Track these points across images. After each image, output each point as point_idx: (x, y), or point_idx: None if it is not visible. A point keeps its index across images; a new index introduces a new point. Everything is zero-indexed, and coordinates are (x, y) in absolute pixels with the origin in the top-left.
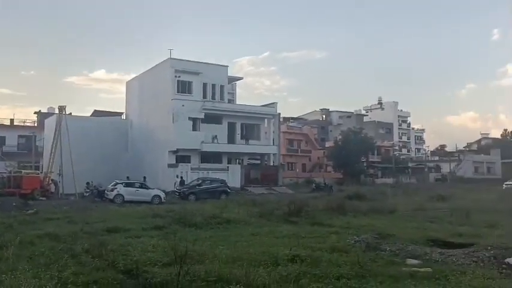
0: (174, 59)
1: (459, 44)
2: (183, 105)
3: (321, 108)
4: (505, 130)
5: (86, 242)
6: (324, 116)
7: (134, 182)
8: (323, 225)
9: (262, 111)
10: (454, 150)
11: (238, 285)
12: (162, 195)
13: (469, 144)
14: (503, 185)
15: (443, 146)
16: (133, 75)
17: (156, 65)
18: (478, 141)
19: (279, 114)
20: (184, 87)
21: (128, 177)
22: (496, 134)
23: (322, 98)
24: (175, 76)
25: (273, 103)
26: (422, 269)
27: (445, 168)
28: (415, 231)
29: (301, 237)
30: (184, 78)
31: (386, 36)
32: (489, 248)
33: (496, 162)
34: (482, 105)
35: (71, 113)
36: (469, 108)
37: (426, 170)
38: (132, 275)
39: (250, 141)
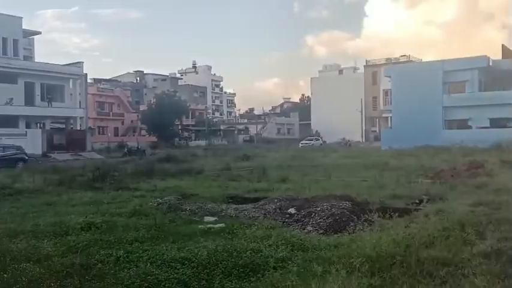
0: None
1: (264, 15)
2: None
3: (135, 70)
4: (303, 95)
5: None
6: (138, 79)
7: None
8: (129, 190)
9: (66, 71)
10: (261, 113)
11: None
12: None
13: (273, 108)
14: (300, 144)
15: (251, 109)
16: None
17: None
18: (281, 105)
19: (86, 74)
20: None
21: None
22: (296, 98)
23: (136, 60)
24: None
25: (79, 62)
26: (216, 225)
27: (253, 130)
28: (216, 190)
29: (102, 204)
30: None
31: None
32: (276, 200)
33: (295, 124)
34: (285, 72)
35: None
36: (273, 75)
37: (236, 132)
38: None
39: (54, 104)
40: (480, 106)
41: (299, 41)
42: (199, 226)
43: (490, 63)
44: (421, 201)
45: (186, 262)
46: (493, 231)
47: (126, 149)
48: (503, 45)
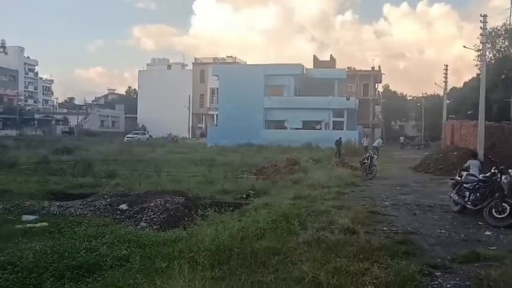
0: None
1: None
2: None
3: None
4: (129, 87)
5: None
6: None
7: None
8: None
9: None
10: (83, 104)
11: None
12: None
13: (97, 99)
14: (125, 138)
15: (71, 99)
16: None
17: None
18: (105, 96)
19: None
20: None
21: None
22: (122, 90)
23: None
24: None
25: None
26: (38, 225)
27: (73, 121)
28: (34, 185)
29: None
30: None
31: None
32: (106, 196)
33: (120, 117)
34: (109, 62)
35: None
36: (97, 63)
37: (54, 122)
38: None
39: None
40: (294, 109)
41: (126, 31)
42: (17, 226)
43: (304, 71)
44: (248, 195)
45: (7, 267)
46: (312, 222)
47: None
48: (314, 56)
